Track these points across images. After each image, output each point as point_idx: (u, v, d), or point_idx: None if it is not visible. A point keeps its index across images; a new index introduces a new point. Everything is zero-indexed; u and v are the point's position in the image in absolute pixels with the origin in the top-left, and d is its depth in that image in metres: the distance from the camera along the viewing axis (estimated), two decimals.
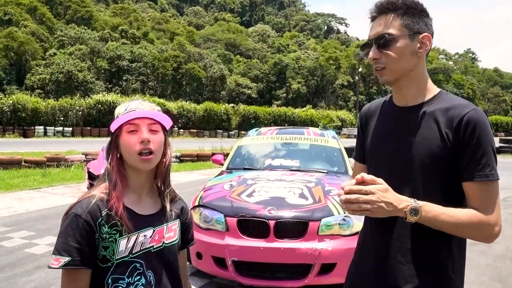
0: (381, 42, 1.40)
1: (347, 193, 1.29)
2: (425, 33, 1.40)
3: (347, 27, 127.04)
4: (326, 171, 5.05)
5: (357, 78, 55.89)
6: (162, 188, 1.45)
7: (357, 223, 3.86)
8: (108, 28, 62.74)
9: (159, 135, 1.37)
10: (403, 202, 1.29)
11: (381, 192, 1.28)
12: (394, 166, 1.43)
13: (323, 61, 71.71)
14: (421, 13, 1.42)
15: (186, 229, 1.54)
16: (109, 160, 1.37)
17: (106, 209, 1.31)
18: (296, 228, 3.75)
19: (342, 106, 67.80)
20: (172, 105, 39.64)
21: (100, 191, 1.35)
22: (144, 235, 1.35)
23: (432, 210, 1.29)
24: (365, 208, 1.27)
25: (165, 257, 1.40)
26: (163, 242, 1.40)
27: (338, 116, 54.49)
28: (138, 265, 1.33)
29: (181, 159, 16.07)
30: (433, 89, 1.46)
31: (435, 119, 1.38)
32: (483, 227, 1.30)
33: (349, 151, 6.15)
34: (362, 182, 1.30)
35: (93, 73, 50.59)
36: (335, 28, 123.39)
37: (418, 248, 1.39)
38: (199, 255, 3.93)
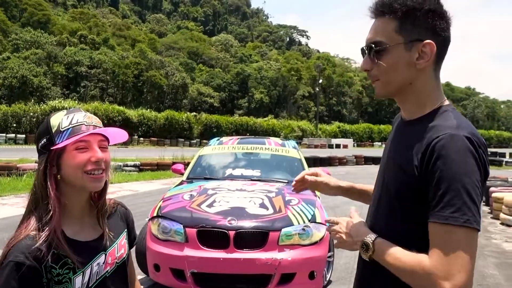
0: (372, 51, 1.20)
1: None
2: (428, 40, 1.15)
3: (308, 39, 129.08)
4: (286, 181, 5.09)
5: (317, 89, 57.06)
6: (102, 206, 1.31)
7: (316, 233, 3.92)
8: (66, 33, 60.82)
9: (108, 152, 1.25)
10: (361, 236, 1.22)
11: (343, 223, 1.31)
12: (379, 184, 1.29)
13: (285, 72, 72.67)
14: (428, 15, 1.16)
15: (131, 231, 1.44)
16: (44, 184, 1.17)
17: (52, 249, 1.14)
18: (256, 239, 3.75)
19: (303, 116, 68.81)
20: (132, 113, 38.88)
21: (34, 229, 1.15)
22: (97, 263, 1.24)
23: (383, 249, 1.15)
24: (335, 238, 1.34)
25: (119, 274, 1.32)
26: (116, 262, 1.31)
27: (299, 126, 55.22)
28: None
29: (141, 168, 15.72)
30: (433, 104, 1.21)
31: (414, 139, 1.16)
32: (424, 279, 1.05)
33: (309, 161, 6.23)
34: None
35: (50, 78, 48.79)
36: (296, 40, 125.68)
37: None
38: (157, 267, 3.84)
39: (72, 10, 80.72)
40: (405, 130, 1.24)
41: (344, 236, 1.30)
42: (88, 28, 67.40)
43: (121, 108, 39.23)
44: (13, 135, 30.71)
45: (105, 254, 1.27)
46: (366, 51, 1.23)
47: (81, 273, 1.19)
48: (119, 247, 1.33)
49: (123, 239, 1.37)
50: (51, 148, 1.17)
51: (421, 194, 1.10)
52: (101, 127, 1.24)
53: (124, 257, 1.35)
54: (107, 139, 1.26)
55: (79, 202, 1.25)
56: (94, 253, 1.24)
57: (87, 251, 1.22)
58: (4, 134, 30.42)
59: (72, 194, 1.22)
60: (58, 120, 1.20)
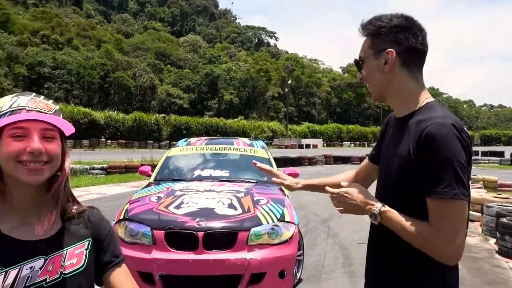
0: (358, 65, 1.56)
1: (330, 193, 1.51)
2: (389, 49, 1.44)
3: (276, 40, 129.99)
4: (255, 181, 5.09)
5: (287, 90, 57.48)
6: (59, 206, 1.16)
7: (285, 232, 3.93)
8: (28, 33, 58.77)
9: (56, 143, 1.11)
10: (369, 205, 1.42)
11: (349, 194, 1.46)
12: (382, 176, 1.55)
13: (254, 73, 72.84)
14: (392, 30, 1.45)
15: (102, 248, 1.24)
16: None
17: None
18: (225, 239, 3.72)
19: (273, 117, 69.17)
20: (99, 115, 37.99)
21: None
22: (31, 267, 1.07)
23: (391, 218, 1.38)
24: (340, 206, 1.49)
25: None
26: (61, 272, 1.11)
27: (269, 127, 55.51)
28: None
29: (108, 170, 15.39)
30: (420, 101, 1.46)
31: (408, 132, 1.40)
32: (430, 245, 1.31)
33: (278, 161, 6.26)
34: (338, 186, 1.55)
35: (11, 80, 47.03)
36: (265, 41, 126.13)
37: (398, 252, 1.43)
38: None
39: (33, 9, 78.03)
40: (399, 125, 1.49)
41: (350, 206, 1.46)
42: (51, 28, 65.36)
43: (87, 110, 38.29)
44: None
45: (46, 259, 1.10)
46: (356, 65, 1.57)
47: (3, 273, 1.03)
48: (70, 256, 1.14)
49: (78, 249, 1.17)
50: None
51: (417, 176, 1.33)
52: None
53: (78, 270, 1.15)
54: (58, 130, 1.12)
55: (21, 196, 1.11)
56: (30, 254, 1.08)
57: (20, 251, 1.08)
58: None
59: (13, 185, 1.09)
60: (1, 103, 1.10)
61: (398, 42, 1.44)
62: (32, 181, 1.07)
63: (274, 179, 1.97)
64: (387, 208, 1.40)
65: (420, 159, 1.32)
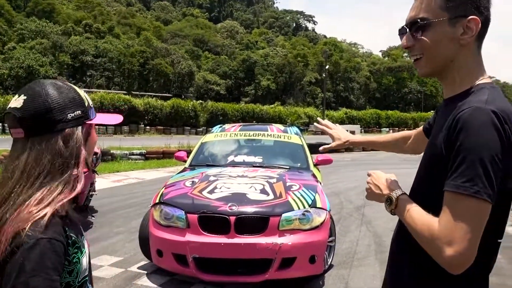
0: (414, 28, 1.24)
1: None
2: (473, 16, 1.17)
3: (315, 24, 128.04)
4: (288, 167, 5.12)
5: (324, 75, 56.65)
6: None
7: (316, 217, 3.95)
8: (71, 22, 60.79)
9: None
10: (388, 190, 1.28)
11: (374, 176, 1.36)
12: (421, 162, 1.31)
13: (291, 58, 72.12)
14: None
15: None
16: (74, 160, 1.07)
17: (67, 226, 1.05)
18: (257, 224, 3.79)
19: (310, 103, 68.45)
20: (138, 102, 38.94)
21: (50, 204, 1.01)
22: (87, 246, 1.17)
23: (404, 207, 1.20)
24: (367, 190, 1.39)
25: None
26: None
27: (305, 113, 55.00)
28: (88, 280, 1.12)
29: (147, 156, 15.82)
30: (472, 82, 1.22)
31: (447, 116, 1.18)
32: (430, 242, 1.10)
33: (313, 147, 6.24)
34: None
35: (56, 68, 49.01)
36: (303, 25, 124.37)
37: (412, 252, 1.24)
38: (159, 253, 3.91)
39: None
40: (444, 109, 1.28)
41: (373, 188, 1.34)
42: (93, 17, 67.31)
43: (127, 97, 39.29)
44: None
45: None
46: (408, 28, 1.26)
47: (85, 253, 1.10)
48: None
49: None
50: (87, 122, 1.13)
51: (445, 166, 1.12)
52: None
53: None
54: None
55: None
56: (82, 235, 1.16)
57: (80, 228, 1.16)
58: None
59: None
60: (83, 94, 1.16)
61: (479, 9, 1.18)
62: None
63: (315, 125, 2.19)
64: (405, 197, 1.23)
65: (447, 148, 1.12)
